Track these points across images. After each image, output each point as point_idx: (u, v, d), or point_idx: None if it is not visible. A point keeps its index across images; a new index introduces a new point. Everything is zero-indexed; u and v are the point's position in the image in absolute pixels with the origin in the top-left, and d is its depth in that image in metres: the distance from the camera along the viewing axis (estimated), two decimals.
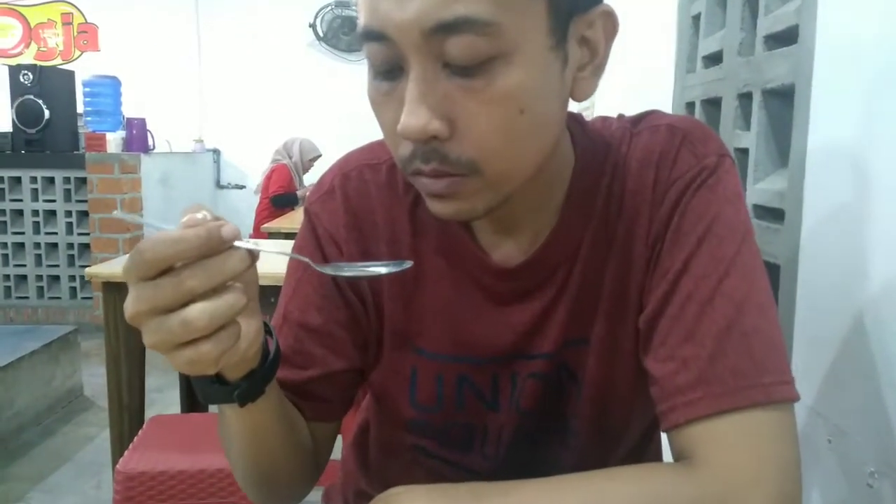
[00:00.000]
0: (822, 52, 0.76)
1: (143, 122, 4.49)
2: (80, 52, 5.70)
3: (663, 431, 0.56)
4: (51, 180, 4.11)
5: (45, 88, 4.03)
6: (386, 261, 0.52)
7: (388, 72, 0.51)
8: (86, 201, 4.06)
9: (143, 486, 1.44)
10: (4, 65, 4.49)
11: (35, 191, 4.11)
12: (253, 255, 0.46)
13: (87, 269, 1.96)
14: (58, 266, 4.19)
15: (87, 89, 4.46)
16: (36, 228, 4.15)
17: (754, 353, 0.52)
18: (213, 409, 0.61)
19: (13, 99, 4.03)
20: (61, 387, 2.98)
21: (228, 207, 5.42)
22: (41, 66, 4.16)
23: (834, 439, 0.73)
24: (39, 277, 4.20)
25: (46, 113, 4.03)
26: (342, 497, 0.81)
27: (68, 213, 4.13)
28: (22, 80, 4.00)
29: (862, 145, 0.69)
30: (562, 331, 0.63)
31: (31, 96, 4.00)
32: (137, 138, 4.40)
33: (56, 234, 4.15)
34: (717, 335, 0.53)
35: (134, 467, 1.45)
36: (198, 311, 0.43)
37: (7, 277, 4.19)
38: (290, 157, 4.57)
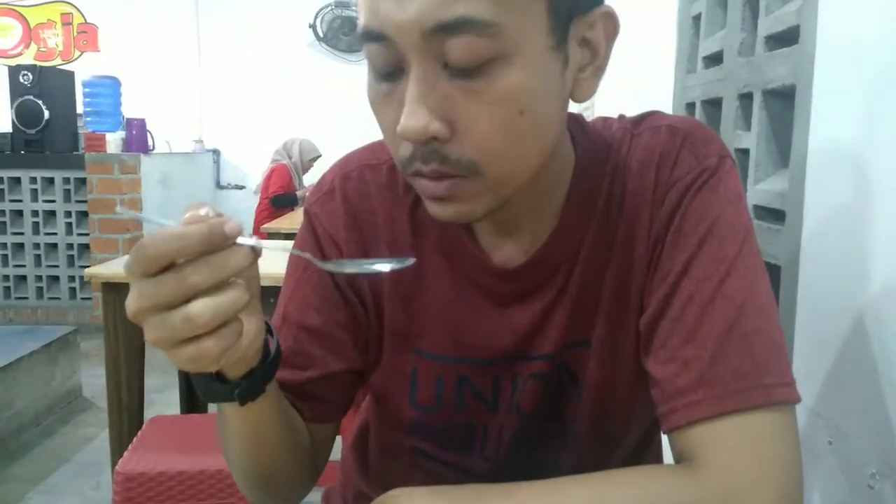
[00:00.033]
0: (822, 52, 0.76)
1: (142, 122, 4.49)
2: (79, 53, 5.70)
3: (664, 433, 0.56)
4: (50, 181, 4.11)
5: (44, 89, 4.03)
6: (379, 269, 0.52)
7: (388, 73, 0.51)
8: (85, 202, 4.06)
9: (143, 486, 1.43)
10: (4, 65, 4.49)
11: (35, 191, 4.11)
12: (255, 252, 0.46)
13: (86, 270, 1.96)
14: (57, 266, 4.19)
15: (87, 90, 4.46)
16: (35, 229, 4.15)
17: (755, 355, 0.52)
18: (212, 409, 0.61)
19: (13, 99, 4.03)
20: (61, 387, 2.97)
21: (228, 208, 5.41)
22: (41, 67, 4.16)
23: (835, 441, 0.73)
24: (39, 278, 4.20)
25: (46, 113, 4.03)
26: (342, 498, 0.81)
27: (68, 214, 4.13)
28: (21, 80, 4.00)
29: (863, 146, 0.69)
30: (562, 332, 0.63)
31: (31, 97, 4.00)
32: (137, 139, 4.40)
33: (55, 234, 4.15)
34: (718, 337, 0.53)
35: (133, 468, 1.45)
36: (200, 307, 0.43)
37: (6, 278, 4.19)
38: (290, 158, 4.57)
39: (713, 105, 1.12)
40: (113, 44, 5.59)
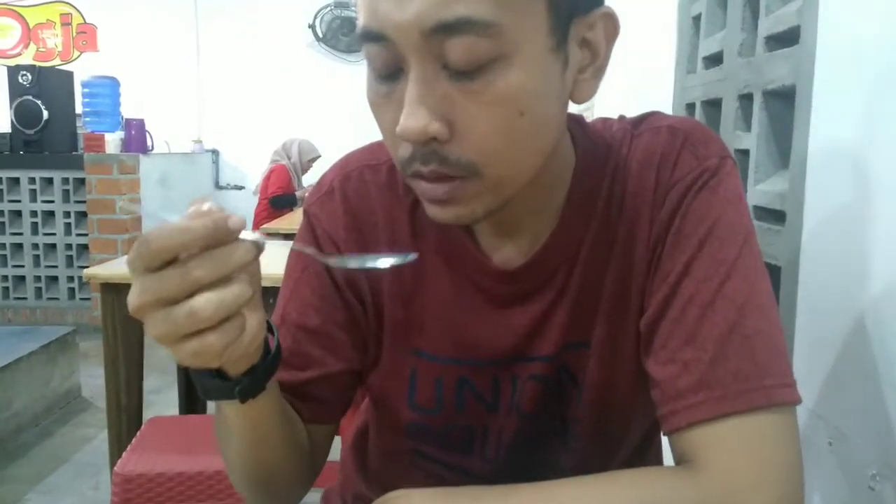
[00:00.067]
0: (823, 53, 0.76)
1: (141, 122, 4.49)
2: (78, 53, 5.70)
3: (664, 435, 0.56)
4: (49, 181, 4.10)
5: (43, 89, 4.03)
6: (382, 264, 0.52)
7: (388, 73, 0.51)
8: (84, 202, 4.06)
9: (142, 487, 1.43)
10: (3, 65, 4.49)
11: (33, 191, 4.11)
12: (258, 247, 0.46)
13: (85, 270, 1.95)
14: (56, 267, 4.18)
15: (86, 90, 4.46)
16: (34, 229, 4.14)
17: (756, 356, 0.52)
18: (211, 410, 0.61)
19: (12, 99, 4.03)
20: (59, 388, 2.97)
21: (227, 208, 5.38)
22: (40, 67, 4.16)
23: (835, 442, 0.73)
24: (38, 278, 4.19)
25: (45, 113, 4.03)
26: (341, 499, 0.81)
27: (67, 214, 4.13)
28: (21, 80, 4.00)
29: (863, 146, 0.69)
30: (562, 333, 0.62)
31: (30, 97, 4.00)
32: (136, 139, 4.40)
33: (54, 234, 4.15)
34: (719, 338, 0.53)
35: (132, 469, 1.45)
36: (204, 301, 0.43)
37: (5, 278, 4.18)
38: (289, 158, 4.57)
39: (713, 106, 1.12)
40: (112, 44, 5.59)
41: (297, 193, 4.43)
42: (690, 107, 1.21)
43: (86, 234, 4.09)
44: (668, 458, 0.63)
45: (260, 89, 5.45)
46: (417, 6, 0.46)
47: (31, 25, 5.71)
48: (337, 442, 0.71)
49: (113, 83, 4.53)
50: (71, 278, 4.19)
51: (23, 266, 4.18)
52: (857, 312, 0.69)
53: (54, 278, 4.21)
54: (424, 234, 0.64)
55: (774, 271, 0.83)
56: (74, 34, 5.69)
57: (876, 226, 0.67)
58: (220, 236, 0.44)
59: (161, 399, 2.97)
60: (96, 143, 4.18)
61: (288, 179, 4.46)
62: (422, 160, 0.51)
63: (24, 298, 4.21)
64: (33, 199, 4.11)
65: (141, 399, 2.01)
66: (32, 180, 4.09)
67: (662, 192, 0.59)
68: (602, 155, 0.62)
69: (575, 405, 0.65)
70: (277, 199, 4.34)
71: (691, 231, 0.57)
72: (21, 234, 4.14)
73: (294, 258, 0.68)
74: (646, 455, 0.72)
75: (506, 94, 0.48)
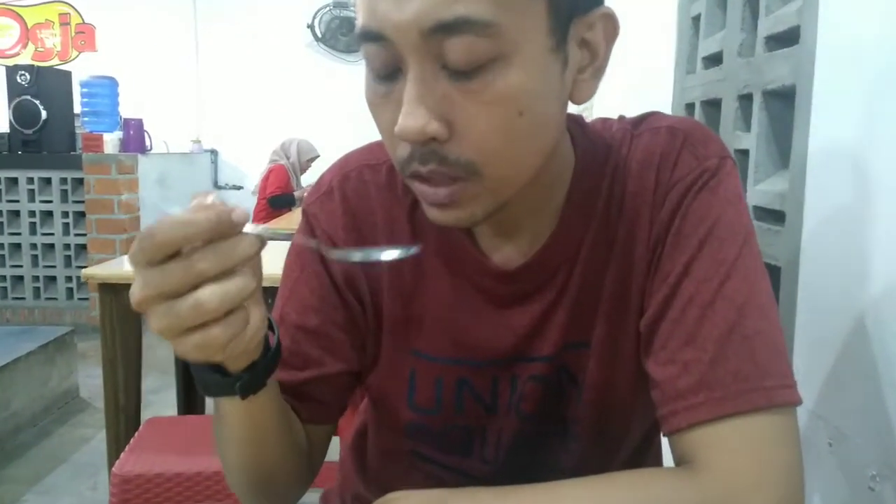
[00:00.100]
0: (823, 53, 0.76)
1: (140, 122, 4.48)
2: (77, 53, 5.69)
3: (664, 435, 0.56)
4: (48, 181, 4.10)
5: (42, 89, 4.03)
6: (386, 256, 0.52)
7: (387, 73, 0.50)
8: (83, 202, 4.05)
9: (140, 488, 1.43)
10: (2, 65, 4.48)
11: (32, 191, 4.10)
12: (262, 241, 0.46)
13: (83, 271, 1.95)
14: (54, 267, 4.18)
15: (85, 90, 4.46)
16: (32, 229, 4.14)
17: (756, 357, 0.52)
18: (209, 410, 0.61)
19: (10, 99, 4.03)
20: (57, 388, 2.97)
21: None
22: (38, 67, 4.16)
23: (835, 442, 0.72)
24: (36, 278, 4.19)
25: (43, 113, 4.03)
26: (340, 500, 0.81)
27: (65, 214, 4.12)
28: (19, 80, 4.00)
29: (863, 146, 0.69)
30: (562, 333, 0.62)
31: (28, 97, 4.00)
32: (135, 139, 4.39)
33: (53, 234, 4.14)
34: (719, 339, 0.53)
35: (130, 470, 1.45)
36: (209, 293, 0.43)
37: (3, 278, 4.18)
38: (288, 158, 4.56)
39: (713, 106, 1.12)
40: (110, 44, 5.58)
41: (296, 193, 4.42)
42: (690, 107, 1.21)
43: (84, 234, 4.08)
44: (668, 458, 0.63)
45: (259, 89, 5.45)
46: (416, 6, 0.46)
47: (29, 25, 5.70)
48: (336, 442, 0.71)
49: (111, 83, 4.52)
50: (69, 278, 4.18)
51: (21, 266, 4.17)
52: (857, 312, 0.69)
53: (52, 278, 4.20)
54: (424, 235, 0.64)
55: (774, 271, 0.83)
56: (73, 34, 5.68)
57: (876, 226, 0.67)
58: (224, 229, 0.43)
59: (159, 399, 2.97)
60: (95, 143, 4.18)
61: (286, 179, 4.46)
62: (420, 160, 0.51)
63: (23, 298, 4.20)
64: (31, 199, 4.11)
65: (139, 399, 2.01)
66: (31, 180, 4.08)
67: (662, 193, 0.59)
68: (602, 155, 0.61)
69: (575, 405, 0.65)
70: (276, 199, 4.34)
71: (691, 231, 0.57)
72: (19, 234, 4.14)
73: (293, 258, 0.68)
74: (645, 456, 0.72)
75: (505, 94, 0.48)
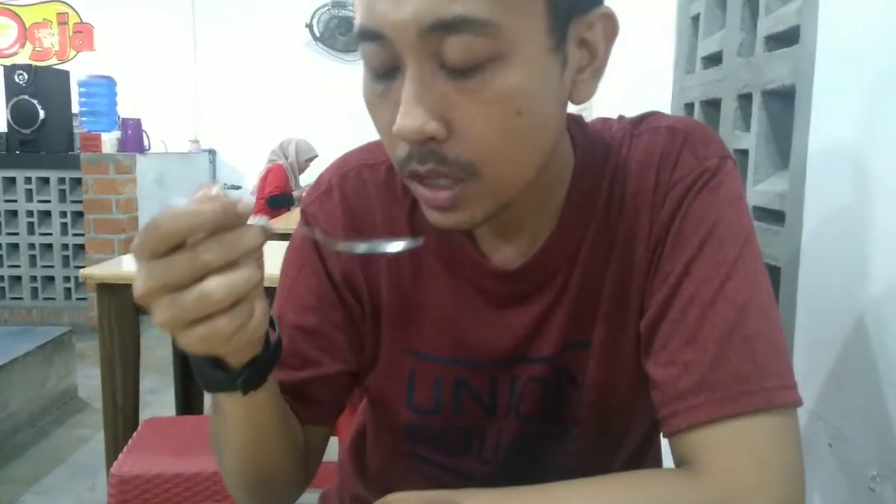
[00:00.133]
0: (823, 53, 0.76)
1: (138, 122, 4.48)
2: (75, 52, 5.68)
3: (665, 437, 0.56)
4: (45, 181, 4.09)
5: (40, 88, 4.02)
6: (391, 248, 0.52)
7: (385, 72, 0.50)
8: (81, 202, 4.04)
9: (138, 489, 1.43)
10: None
11: (30, 191, 4.10)
12: (266, 233, 0.46)
13: (81, 271, 1.94)
14: (52, 267, 4.17)
15: (83, 89, 4.45)
16: (30, 229, 4.13)
17: (756, 357, 0.52)
18: (208, 411, 0.60)
19: (8, 99, 4.03)
20: (55, 388, 2.96)
21: None
22: (36, 66, 4.15)
23: (835, 443, 0.72)
24: (34, 278, 4.18)
25: (41, 113, 4.03)
26: (339, 501, 0.80)
27: (63, 214, 4.12)
28: (17, 80, 3.99)
29: (863, 146, 0.69)
30: (562, 334, 0.62)
31: (26, 96, 4.00)
32: (133, 138, 4.38)
33: (51, 234, 4.14)
34: (719, 339, 0.52)
35: (128, 470, 1.44)
36: (215, 284, 0.42)
37: (1, 278, 4.17)
38: (286, 158, 4.56)
39: (712, 106, 1.12)
40: (109, 43, 5.57)
41: (294, 193, 4.42)
42: (689, 107, 1.21)
43: (82, 234, 4.07)
44: (667, 459, 0.62)
45: (257, 89, 5.45)
46: (415, 5, 0.46)
47: (27, 25, 5.69)
48: (335, 443, 0.71)
49: (109, 83, 4.52)
50: (67, 278, 4.18)
51: (19, 266, 4.17)
52: (857, 312, 0.69)
53: (50, 278, 4.20)
54: (423, 234, 0.64)
55: (774, 271, 0.83)
56: (71, 33, 5.67)
57: (876, 226, 0.67)
58: (229, 221, 0.43)
59: (158, 400, 2.97)
60: (93, 142, 4.17)
61: (285, 179, 4.45)
62: (419, 159, 0.50)
63: (21, 298, 4.19)
64: (29, 198, 4.10)
65: (137, 400, 2.00)
66: (29, 180, 4.08)
67: (662, 193, 0.59)
68: (602, 155, 0.61)
69: (574, 406, 0.64)
70: (274, 199, 4.33)
71: (691, 232, 0.56)
72: (17, 234, 4.13)
73: (291, 257, 0.68)
74: (645, 456, 0.71)
75: (503, 94, 0.48)
